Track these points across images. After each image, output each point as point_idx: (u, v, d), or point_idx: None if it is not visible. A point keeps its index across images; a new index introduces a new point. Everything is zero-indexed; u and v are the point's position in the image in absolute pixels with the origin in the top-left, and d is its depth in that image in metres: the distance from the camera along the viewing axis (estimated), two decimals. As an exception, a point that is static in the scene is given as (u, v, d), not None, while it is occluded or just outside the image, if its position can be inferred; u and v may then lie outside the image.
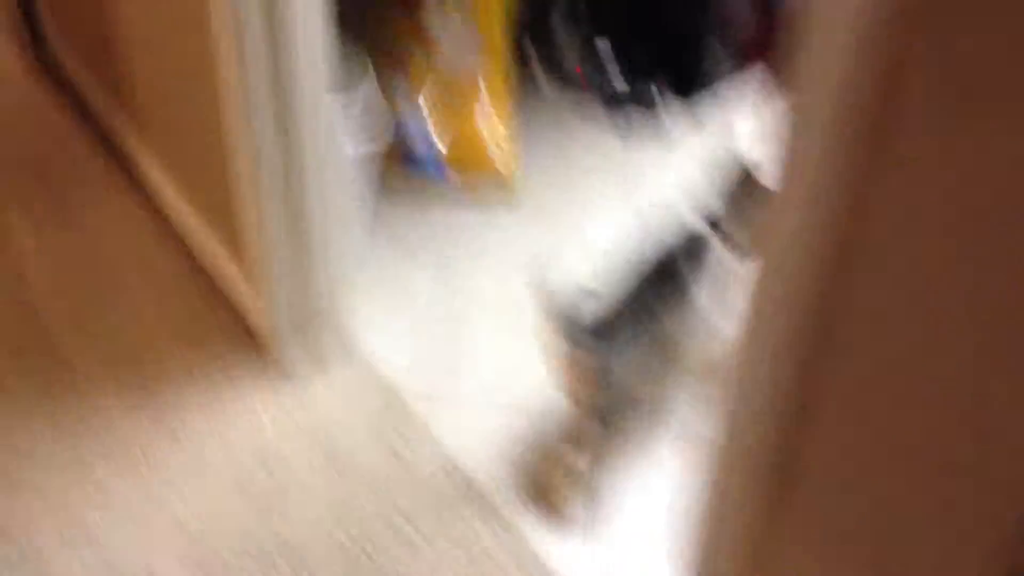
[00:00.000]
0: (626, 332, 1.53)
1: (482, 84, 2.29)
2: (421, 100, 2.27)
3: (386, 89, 2.21)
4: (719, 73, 2.58)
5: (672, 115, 2.56)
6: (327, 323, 1.88)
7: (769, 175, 0.94)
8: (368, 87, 2.06)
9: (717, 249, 1.64)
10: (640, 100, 2.55)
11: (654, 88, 2.55)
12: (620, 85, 2.56)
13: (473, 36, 2.24)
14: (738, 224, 1.64)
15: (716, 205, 1.67)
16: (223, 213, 1.92)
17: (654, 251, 1.64)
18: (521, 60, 2.53)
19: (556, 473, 1.62)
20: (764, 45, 2.65)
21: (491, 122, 2.31)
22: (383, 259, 2.18)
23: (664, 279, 1.61)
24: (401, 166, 2.32)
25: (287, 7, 1.53)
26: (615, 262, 1.65)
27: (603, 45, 2.58)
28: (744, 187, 1.65)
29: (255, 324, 1.95)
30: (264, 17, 1.53)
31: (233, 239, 1.92)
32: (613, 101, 2.57)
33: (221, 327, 2.00)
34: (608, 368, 1.50)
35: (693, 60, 2.55)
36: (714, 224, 1.65)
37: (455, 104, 2.29)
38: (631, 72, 2.57)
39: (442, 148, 2.30)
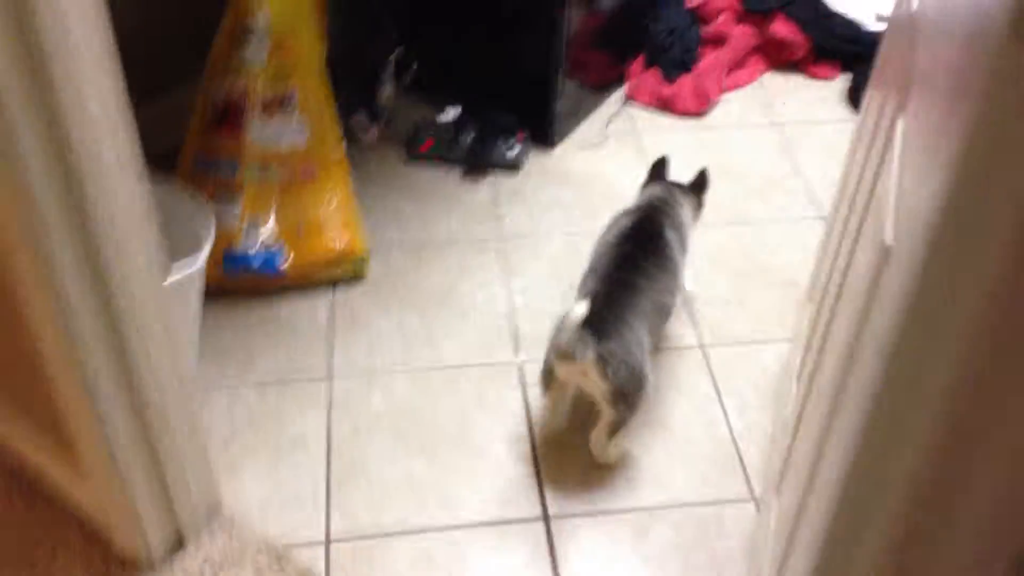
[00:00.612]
0: (619, 315, 1.57)
1: (316, 170, 1.99)
2: (242, 199, 1.94)
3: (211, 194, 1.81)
4: (574, 112, 2.42)
5: (526, 160, 2.35)
6: (189, 506, 1.54)
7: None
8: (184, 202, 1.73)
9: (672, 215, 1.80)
10: (494, 155, 2.31)
11: (510, 141, 2.32)
12: (474, 144, 2.32)
13: (300, 125, 1.96)
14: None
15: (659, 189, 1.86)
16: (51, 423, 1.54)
17: (617, 234, 1.74)
18: (355, 134, 2.31)
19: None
20: (615, 75, 2.57)
21: (332, 207, 2.00)
22: (234, 398, 1.81)
23: (634, 254, 1.68)
24: (233, 275, 1.95)
25: (96, 197, 1.15)
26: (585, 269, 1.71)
27: (451, 110, 2.38)
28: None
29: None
30: (73, 228, 1.16)
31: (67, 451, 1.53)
32: (470, 161, 2.31)
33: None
34: (616, 354, 1.53)
35: (546, 106, 2.33)
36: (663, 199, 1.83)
37: (290, 196, 1.97)
38: (483, 129, 2.33)
39: (283, 248, 1.96)
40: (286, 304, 2.00)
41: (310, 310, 1.99)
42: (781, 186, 2.32)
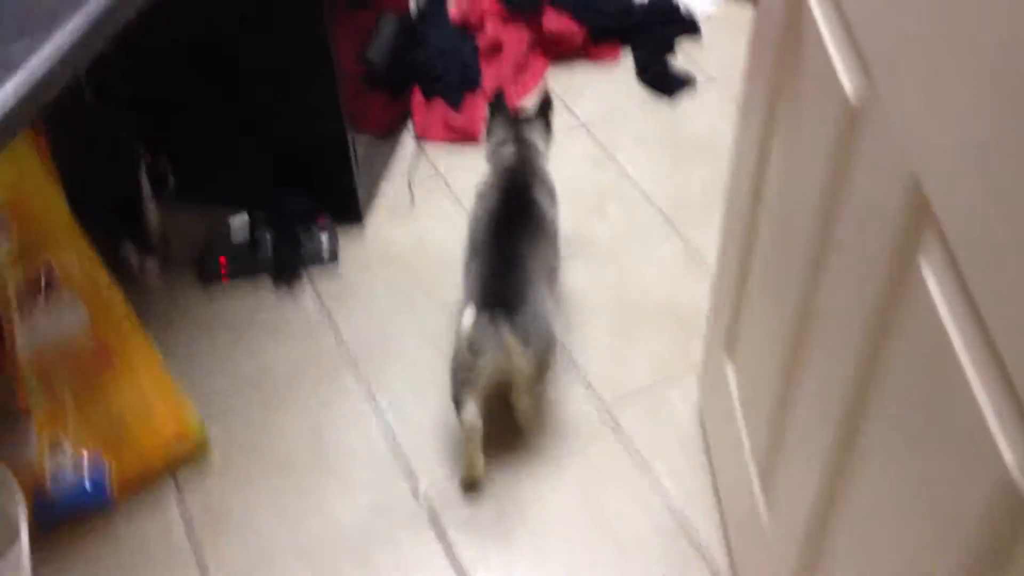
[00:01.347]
0: (516, 289, 1.57)
1: (110, 350, 1.64)
2: (32, 426, 1.56)
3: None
4: (371, 174, 2.17)
5: (339, 247, 2.08)
6: None
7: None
8: None
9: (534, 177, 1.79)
10: (303, 253, 2.02)
11: (313, 231, 2.04)
12: (275, 248, 2.02)
13: (72, 303, 1.60)
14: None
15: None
16: None
17: (488, 208, 1.71)
18: (130, 274, 1.95)
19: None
20: (398, 115, 2.34)
21: (144, 389, 1.67)
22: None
23: (510, 225, 1.67)
24: (53, 525, 1.57)
25: None
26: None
27: (237, 217, 2.04)
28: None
29: None
30: None
31: None
32: (278, 269, 2.01)
33: None
34: (528, 323, 1.54)
35: (343, 176, 2.04)
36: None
37: (90, 395, 1.62)
38: (279, 226, 2.04)
39: (103, 465, 1.60)
40: (125, 522, 1.65)
41: (157, 520, 1.65)
42: (615, 195, 2.16)
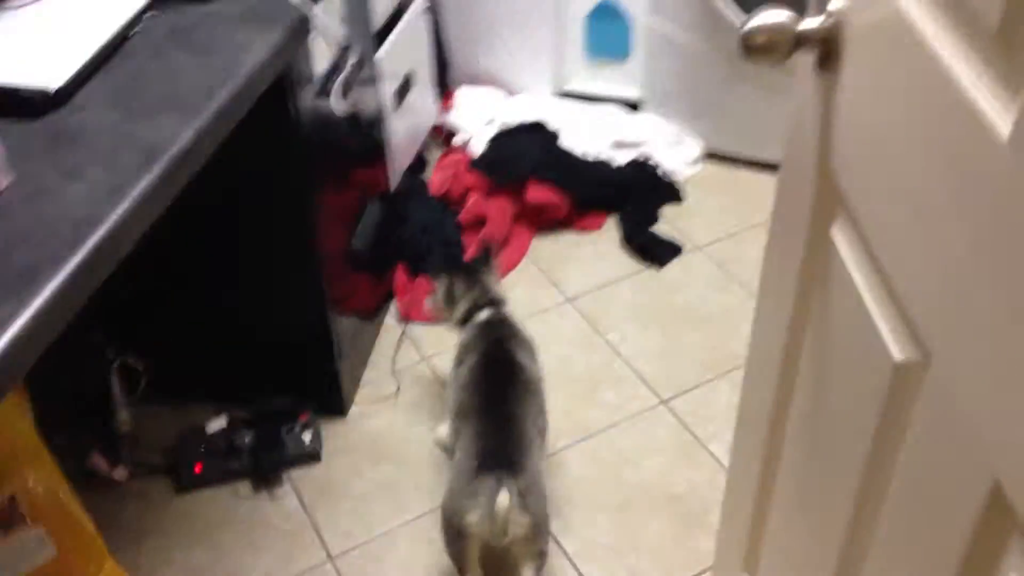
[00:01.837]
0: (516, 452, 1.55)
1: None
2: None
3: None
4: (354, 361, 2.10)
5: (321, 444, 1.97)
6: None
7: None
8: None
9: None
10: (284, 452, 1.91)
11: (295, 428, 1.93)
12: (254, 448, 1.90)
13: (37, 537, 1.47)
14: None
15: None
16: None
17: (472, 378, 1.69)
18: (100, 480, 1.84)
19: None
20: (382, 296, 2.28)
21: None
22: None
23: (498, 389, 1.66)
24: None
25: None
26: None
27: (215, 420, 1.94)
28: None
29: None
30: None
31: None
32: (259, 470, 1.90)
33: None
34: (530, 489, 1.52)
35: (327, 367, 1.97)
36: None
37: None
38: (259, 426, 1.93)
39: None
40: None
41: None
42: (607, 378, 2.08)
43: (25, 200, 1.17)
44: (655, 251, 2.39)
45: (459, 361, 1.77)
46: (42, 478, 1.55)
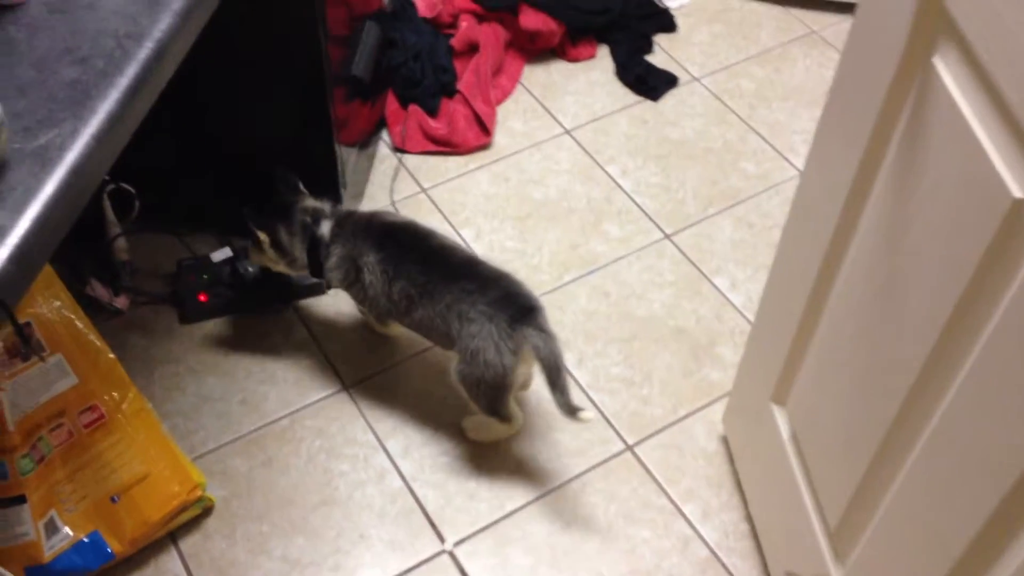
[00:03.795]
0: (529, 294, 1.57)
1: (100, 405, 1.50)
2: (27, 502, 1.42)
3: None
4: (353, 191, 2.05)
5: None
6: None
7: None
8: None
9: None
10: (291, 284, 1.87)
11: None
12: (260, 280, 1.85)
13: (57, 362, 1.46)
14: None
15: None
16: None
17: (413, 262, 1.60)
18: (100, 308, 1.80)
19: None
20: (374, 123, 2.18)
21: (140, 446, 1.52)
22: None
23: (430, 258, 1.60)
24: None
25: None
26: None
27: (220, 252, 1.89)
28: None
29: None
30: None
31: None
32: (264, 302, 1.87)
33: None
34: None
35: (331, 196, 1.81)
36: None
37: (82, 460, 1.48)
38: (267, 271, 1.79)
39: (100, 534, 1.48)
40: (129, 596, 1.52)
41: (164, 590, 1.53)
42: (608, 210, 2.08)
43: (57, 11, 1.08)
44: (650, 82, 2.35)
45: (353, 276, 1.63)
46: (56, 305, 1.51)
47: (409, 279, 1.57)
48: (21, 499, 1.41)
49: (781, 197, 2.10)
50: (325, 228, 1.65)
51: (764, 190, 2.12)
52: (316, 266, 1.67)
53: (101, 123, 0.98)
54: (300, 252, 1.66)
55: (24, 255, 0.88)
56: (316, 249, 1.65)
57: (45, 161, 0.92)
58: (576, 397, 1.74)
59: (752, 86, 2.36)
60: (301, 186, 1.71)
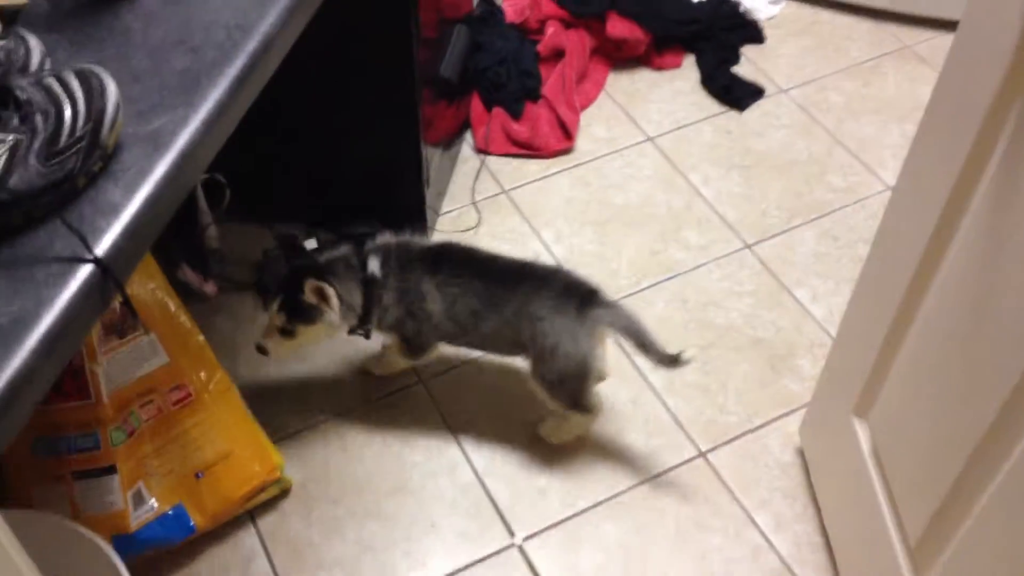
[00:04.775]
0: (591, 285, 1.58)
1: (188, 384, 1.54)
2: (116, 473, 1.47)
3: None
4: (436, 188, 2.09)
5: None
6: None
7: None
8: None
9: None
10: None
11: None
12: None
13: (150, 340, 1.51)
14: None
15: None
16: None
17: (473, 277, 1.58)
18: (189, 292, 1.85)
19: None
20: (459, 124, 2.21)
21: (225, 425, 1.57)
22: None
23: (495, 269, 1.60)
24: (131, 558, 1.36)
25: None
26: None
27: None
28: None
29: None
30: None
31: None
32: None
33: None
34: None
35: (413, 194, 1.94)
36: None
37: (169, 434, 1.53)
38: None
39: (183, 507, 1.53)
40: (211, 559, 1.57)
41: (239, 568, 1.57)
42: (690, 217, 2.08)
43: (171, 3, 1.13)
44: (736, 92, 2.34)
45: (410, 309, 1.57)
46: (151, 287, 1.57)
47: (474, 294, 1.56)
48: (112, 469, 1.47)
49: (867, 211, 2.07)
50: (374, 266, 1.56)
51: (850, 204, 2.09)
52: (368, 311, 1.57)
53: (210, 111, 1.02)
54: (359, 298, 1.55)
55: (135, 232, 0.92)
56: (370, 290, 1.55)
57: (157, 144, 0.96)
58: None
59: (841, 100, 2.34)
60: (307, 243, 1.69)
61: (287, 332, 1.57)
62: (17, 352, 0.75)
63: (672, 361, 1.52)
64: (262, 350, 1.61)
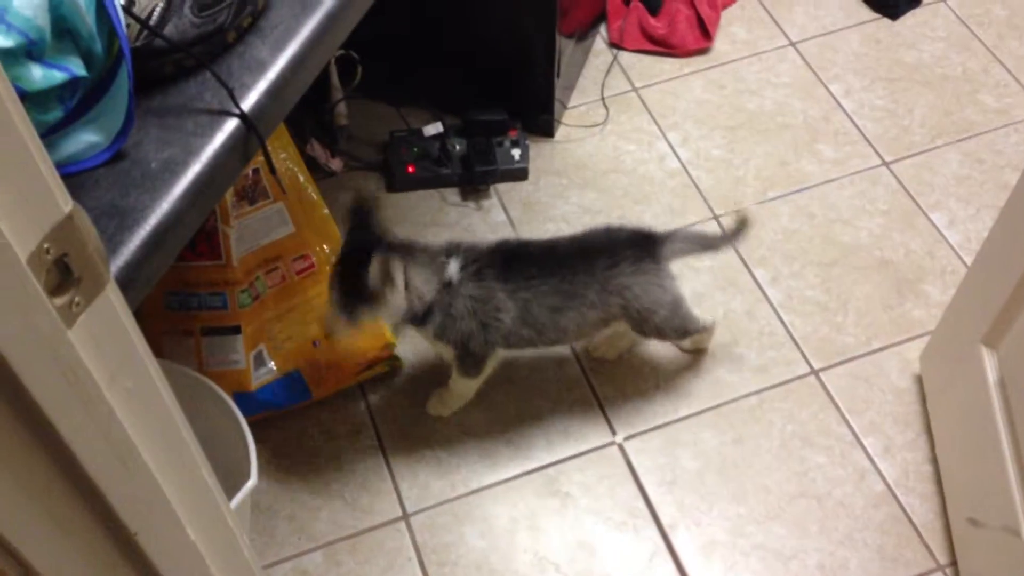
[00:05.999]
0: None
1: (311, 255, 1.58)
2: (241, 335, 1.53)
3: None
4: (565, 82, 2.04)
5: (529, 161, 1.95)
6: None
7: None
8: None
9: None
10: (496, 165, 1.88)
11: (505, 143, 1.90)
12: (467, 157, 1.87)
13: (278, 209, 1.55)
14: None
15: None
16: None
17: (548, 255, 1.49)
18: (316, 167, 1.89)
19: None
20: (594, 18, 2.15)
21: None
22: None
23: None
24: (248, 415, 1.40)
25: None
26: None
27: (431, 127, 1.90)
28: None
29: None
30: None
31: None
32: (468, 179, 1.89)
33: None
34: None
35: (543, 86, 1.90)
36: None
37: (290, 303, 1.58)
38: (472, 135, 1.89)
39: (300, 373, 1.58)
40: (321, 425, 1.63)
41: (348, 437, 1.63)
42: (826, 130, 1.99)
43: None
44: (890, 0, 2.20)
45: (484, 320, 1.44)
46: (282, 157, 1.60)
47: (551, 288, 1.45)
48: (237, 329, 1.54)
49: (1020, 136, 1.95)
50: (454, 269, 1.41)
51: (1002, 126, 1.97)
52: (428, 312, 1.42)
53: None
54: (430, 295, 1.40)
55: (278, 92, 0.93)
56: (444, 293, 1.41)
57: (305, 4, 0.97)
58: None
59: (1004, 13, 2.18)
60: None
61: (349, 310, 1.38)
62: (166, 196, 0.78)
63: (738, 230, 1.54)
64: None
